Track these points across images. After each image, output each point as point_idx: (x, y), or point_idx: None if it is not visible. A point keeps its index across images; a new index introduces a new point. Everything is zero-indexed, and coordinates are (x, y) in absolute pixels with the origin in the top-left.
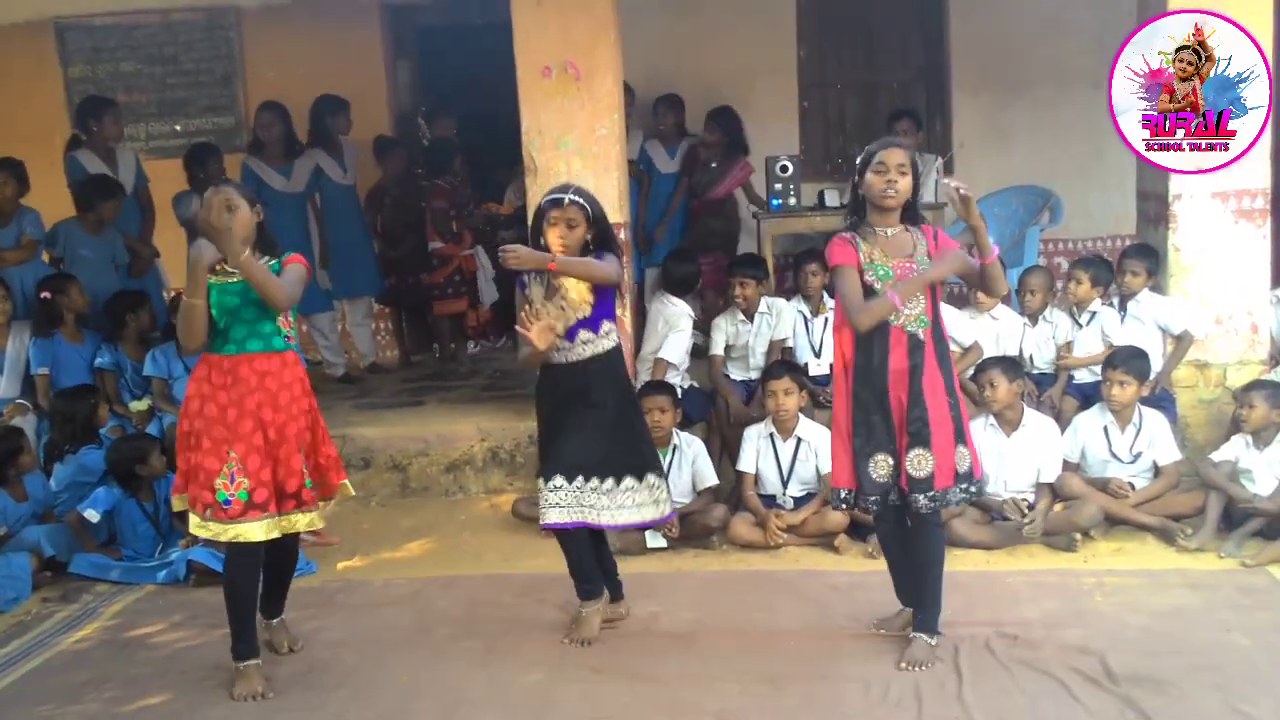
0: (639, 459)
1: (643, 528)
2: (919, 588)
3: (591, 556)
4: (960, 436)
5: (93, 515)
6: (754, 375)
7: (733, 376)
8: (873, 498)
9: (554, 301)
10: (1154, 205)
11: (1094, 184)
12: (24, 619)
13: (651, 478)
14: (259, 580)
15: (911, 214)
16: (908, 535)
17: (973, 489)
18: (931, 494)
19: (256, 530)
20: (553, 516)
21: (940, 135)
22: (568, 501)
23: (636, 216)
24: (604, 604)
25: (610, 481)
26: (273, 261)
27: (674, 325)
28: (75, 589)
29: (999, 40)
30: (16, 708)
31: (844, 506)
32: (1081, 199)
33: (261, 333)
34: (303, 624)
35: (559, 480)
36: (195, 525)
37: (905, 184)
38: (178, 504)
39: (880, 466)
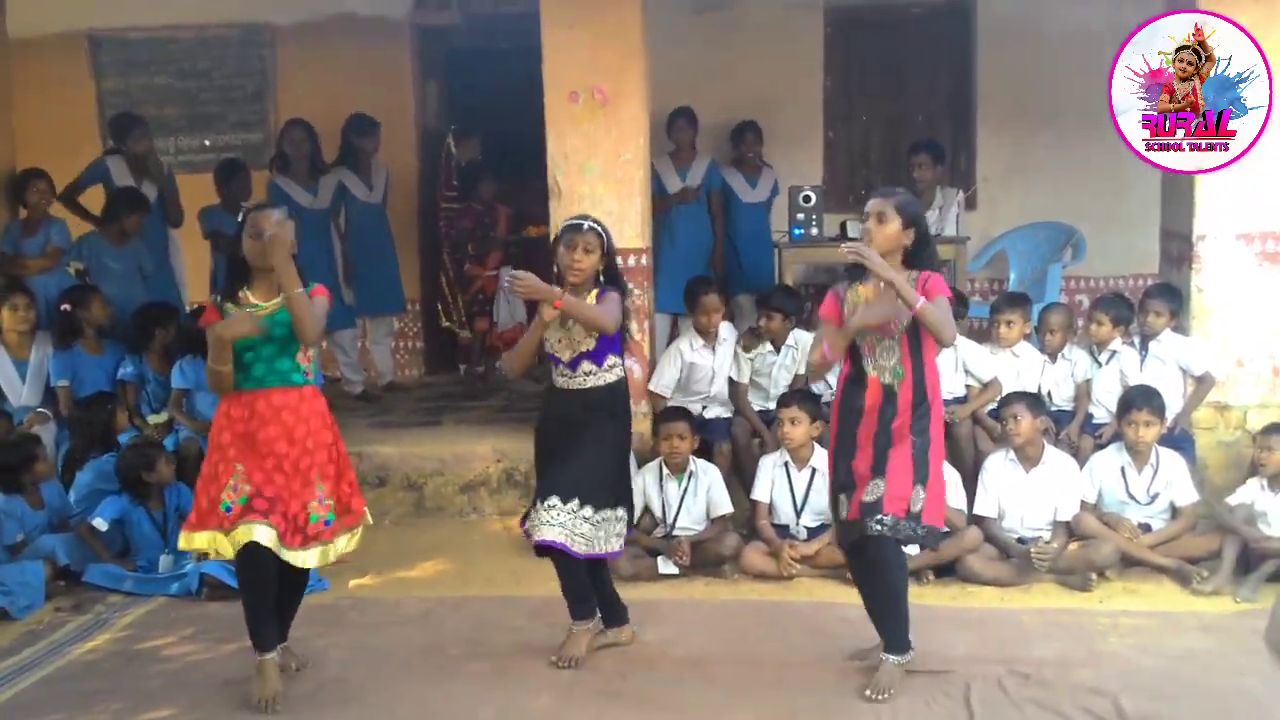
0: (621, 491)
1: (603, 558)
2: (881, 614)
3: (585, 578)
4: (922, 480)
5: (101, 524)
6: (772, 406)
7: (753, 406)
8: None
9: (564, 327)
10: (1178, 245)
11: (1117, 222)
12: (36, 627)
13: (621, 510)
14: (273, 588)
15: (915, 259)
16: (865, 564)
17: (921, 531)
18: (879, 517)
19: (256, 531)
20: (548, 534)
21: (964, 169)
22: (560, 521)
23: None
24: (595, 626)
25: (593, 510)
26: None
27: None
28: (88, 599)
29: (1025, 76)
30: (26, 715)
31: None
32: (1104, 237)
33: (279, 370)
34: (313, 641)
35: (554, 500)
36: (225, 546)
37: (884, 232)
38: (183, 543)
39: (842, 507)
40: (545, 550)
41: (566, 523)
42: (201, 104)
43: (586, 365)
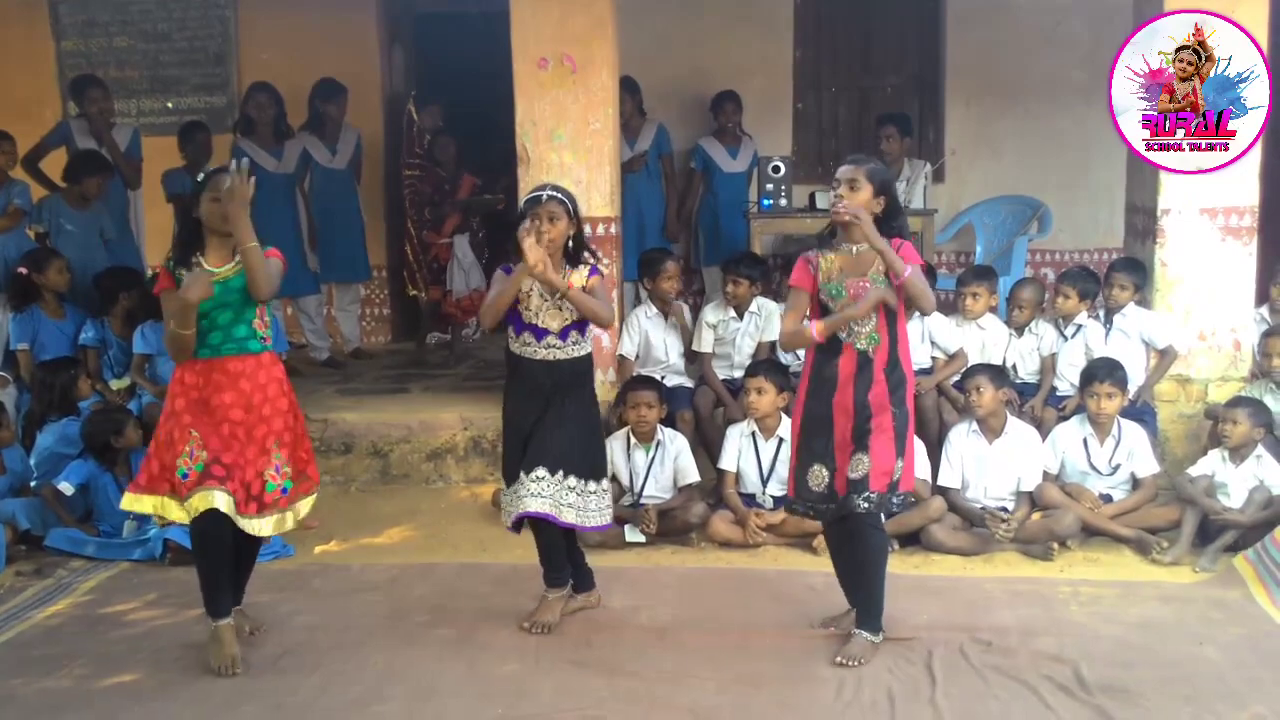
0: (599, 462)
1: (596, 530)
2: (860, 589)
3: (563, 546)
4: (900, 451)
5: (66, 488)
6: (737, 374)
7: (717, 374)
8: (806, 505)
9: (555, 299)
10: (1142, 219)
11: (1082, 196)
12: None
13: (606, 483)
14: (228, 555)
15: (886, 227)
16: (848, 538)
17: (898, 500)
18: (867, 494)
19: (215, 498)
20: (533, 505)
21: (932, 142)
22: (548, 493)
23: (664, 209)
24: (567, 595)
25: (579, 480)
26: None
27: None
28: (50, 563)
29: (994, 50)
30: None
31: (797, 512)
32: (1070, 211)
33: (235, 336)
34: (278, 607)
35: (541, 471)
36: (172, 511)
37: (855, 200)
38: (126, 503)
39: (815, 477)
40: (525, 521)
41: (554, 494)
42: (163, 66)
43: (574, 335)
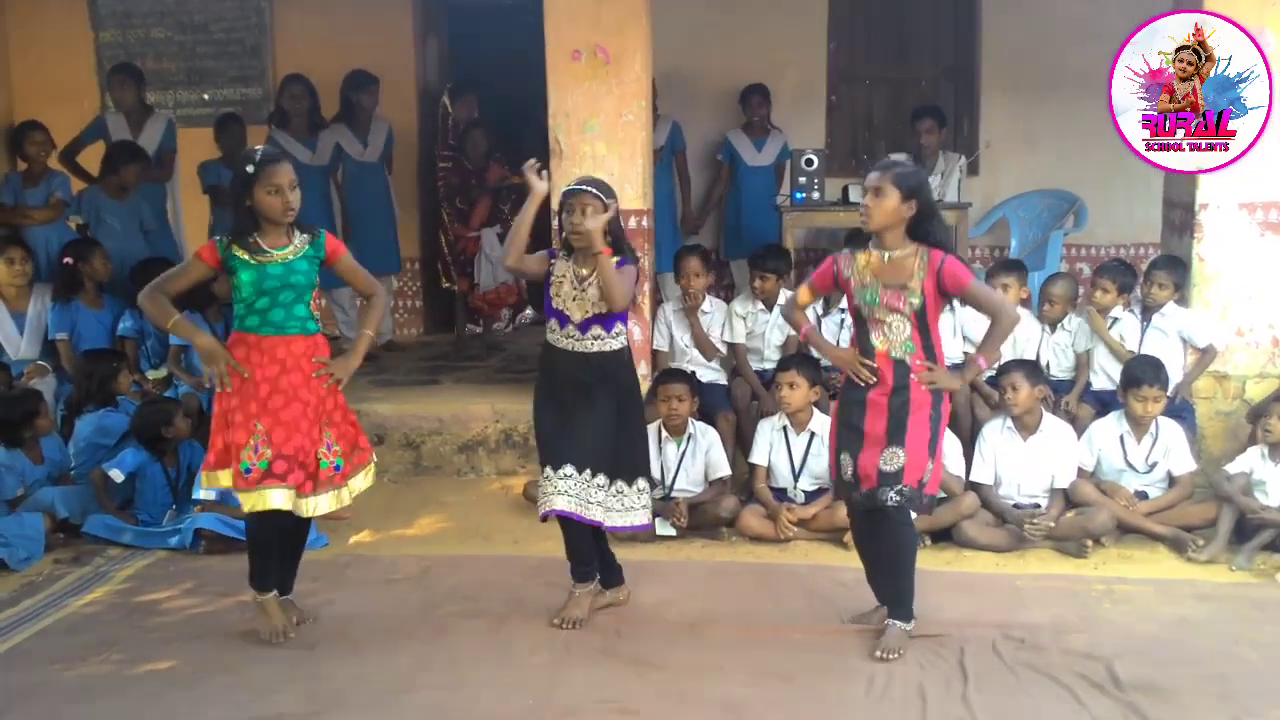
0: (633, 464)
1: (627, 530)
2: (890, 582)
3: (591, 541)
4: (933, 451)
5: (117, 475)
6: (766, 366)
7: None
8: (841, 490)
9: (580, 285)
10: (1180, 214)
11: (1119, 190)
12: (35, 579)
13: (641, 482)
14: (279, 546)
15: (919, 232)
16: (878, 532)
17: (926, 501)
18: (900, 488)
19: (274, 497)
20: (559, 504)
21: (967, 135)
22: (574, 491)
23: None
24: (595, 589)
25: (606, 479)
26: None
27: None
28: (87, 551)
29: (1030, 42)
30: (25, 667)
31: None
32: (1106, 205)
33: (298, 316)
34: (312, 597)
35: (569, 469)
36: (247, 502)
37: (881, 207)
38: (206, 483)
39: (844, 466)
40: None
41: (580, 492)
42: (199, 58)
43: (596, 329)
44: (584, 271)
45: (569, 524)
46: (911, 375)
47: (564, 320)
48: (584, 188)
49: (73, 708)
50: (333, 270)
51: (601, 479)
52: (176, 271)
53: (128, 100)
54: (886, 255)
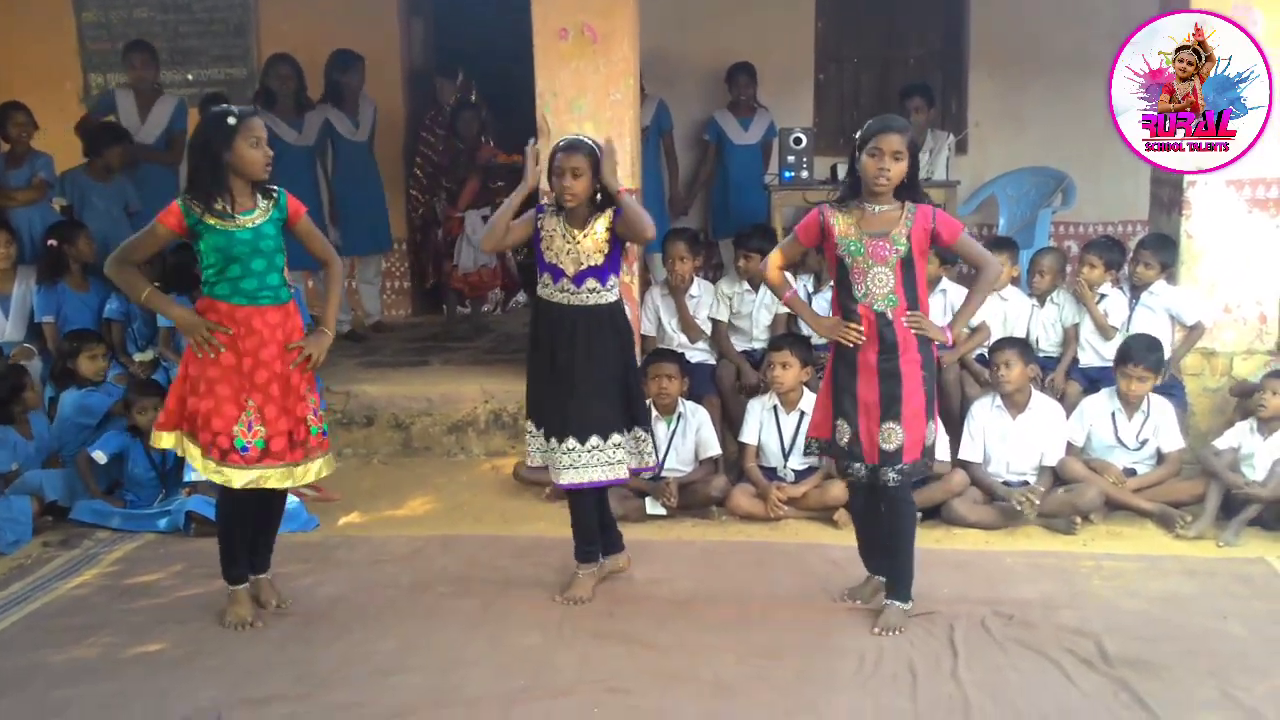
0: (630, 413)
1: (629, 475)
2: (890, 560)
3: (595, 518)
4: (930, 413)
5: (100, 456)
6: (755, 346)
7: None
8: (840, 459)
9: (573, 238)
10: (1168, 191)
11: (1107, 168)
12: (24, 562)
13: (639, 430)
14: (251, 523)
15: (910, 192)
16: (878, 507)
17: (928, 462)
18: (900, 467)
19: (274, 477)
20: (565, 478)
21: (955, 114)
22: (581, 463)
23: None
24: (599, 569)
25: (599, 439)
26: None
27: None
28: (76, 534)
29: (1018, 22)
30: (14, 650)
31: (816, 453)
32: (1094, 183)
33: (270, 285)
34: (301, 578)
35: (571, 442)
36: (208, 470)
37: (899, 169)
38: (165, 440)
39: (841, 431)
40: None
41: (587, 461)
42: (183, 37)
43: (591, 283)
44: (576, 232)
45: (576, 499)
46: (898, 326)
47: (558, 274)
48: (573, 150)
49: (62, 690)
50: (292, 232)
51: (594, 439)
52: (139, 238)
53: (149, 77)
54: (875, 209)
